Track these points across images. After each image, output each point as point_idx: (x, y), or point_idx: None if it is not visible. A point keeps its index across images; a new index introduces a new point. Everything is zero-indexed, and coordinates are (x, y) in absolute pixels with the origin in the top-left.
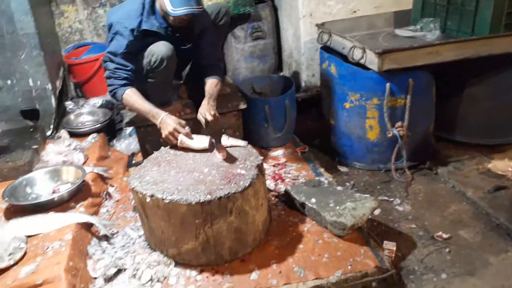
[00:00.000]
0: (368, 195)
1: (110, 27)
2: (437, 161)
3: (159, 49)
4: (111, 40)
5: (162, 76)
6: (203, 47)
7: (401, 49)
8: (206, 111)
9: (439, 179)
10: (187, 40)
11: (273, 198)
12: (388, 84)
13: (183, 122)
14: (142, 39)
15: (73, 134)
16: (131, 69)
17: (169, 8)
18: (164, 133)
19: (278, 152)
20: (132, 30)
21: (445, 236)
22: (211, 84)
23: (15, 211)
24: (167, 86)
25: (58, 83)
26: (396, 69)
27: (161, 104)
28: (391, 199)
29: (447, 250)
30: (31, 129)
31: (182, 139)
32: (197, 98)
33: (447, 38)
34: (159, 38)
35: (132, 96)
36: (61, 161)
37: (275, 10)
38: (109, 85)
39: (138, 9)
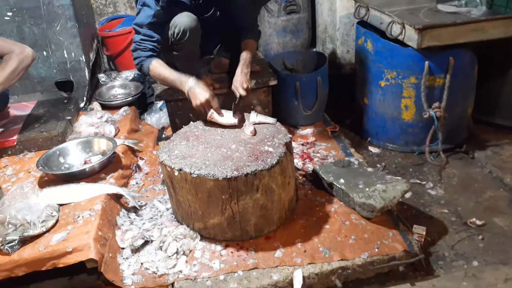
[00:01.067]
0: (399, 178)
1: (138, 1)
2: (474, 145)
3: (182, 20)
4: (138, 13)
5: (186, 48)
6: (235, 7)
7: (443, 25)
8: (239, 84)
9: (476, 163)
10: (212, 6)
11: (300, 177)
12: (427, 62)
13: (216, 85)
14: (168, 9)
15: (105, 107)
16: (157, 40)
17: None
18: (195, 102)
19: (308, 131)
20: (157, 0)
21: (478, 222)
22: (245, 46)
23: (49, 180)
24: (194, 59)
25: (92, 56)
26: (437, 46)
27: None
28: (424, 183)
29: (480, 237)
30: (65, 101)
31: (212, 113)
32: (233, 67)
33: (494, 15)
34: (184, 7)
35: (158, 67)
36: (93, 132)
37: None
38: (135, 58)
39: None
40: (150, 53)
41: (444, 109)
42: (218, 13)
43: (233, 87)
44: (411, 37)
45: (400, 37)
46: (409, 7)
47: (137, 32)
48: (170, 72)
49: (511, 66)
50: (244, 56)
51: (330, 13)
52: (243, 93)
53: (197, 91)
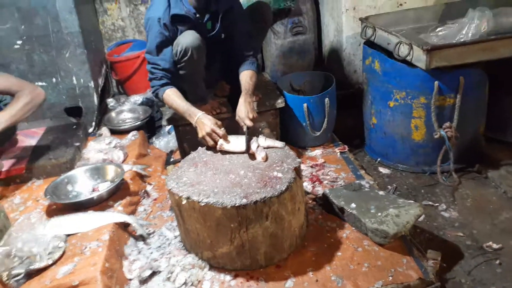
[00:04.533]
0: (412, 201)
1: (145, 26)
2: (487, 164)
3: (185, 39)
4: (147, 39)
5: (190, 67)
6: (235, 34)
7: (452, 45)
8: (244, 115)
9: (489, 183)
10: (216, 25)
11: (310, 201)
12: (436, 83)
13: (219, 122)
14: (173, 28)
15: (114, 131)
16: (163, 68)
17: None
18: (201, 133)
19: (316, 152)
20: (159, 19)
21: (495, 246)
22: (246, 76)
23: (57, 209)
24: (199, 80)
25: (100, 81)
26: (446, 66)
27: (197, 100)
28: (436, 204)
29: (497, 262)
30: (74, 126)
31: (221, 143)
32: (234, 93)
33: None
34: (189, 24)
35: (170, 96)
36: (101, 158)
37: (316, 4)
38: (152, 87)
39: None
40: (162, 81)
41: (455, 129)
42: (223, 35)
43: (237, 118)
44: (419, 57)
45: (408, 58)
46: (416, 26)
47: (148, 62)
48: (181, 102)
49: None
50: (246, 86)
51: (336, 33)
52: (249, 124)
53: (204, 121)
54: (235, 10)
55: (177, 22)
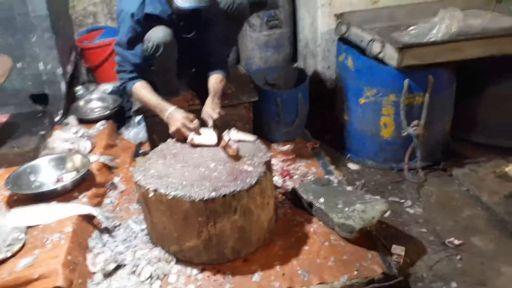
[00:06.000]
0: (378, 197)
1: (117, 17)
2: (452, 162)
3: (155, 35)
4: (118, 30)
5: (162, 63)
6: (209, 40)
7: (423, 44)
8: (211, 109)
9: (453, 181)
10: (192, 28)
11: (279, 196)
12: (406, 81)
13: (191, 115)
14: (145, 24)
15: (81, 121)
16: (133, 63)
17: None
18: (172, 129)
19: (288, 147)
20: (132, 15)
21: (457, 242)
22: (215, 80)
23: (18, 200)
24: (171, 74)
25: (69, 68)
26: (416, 65)
27: (169, 93)
28: (402, 201)
29: (458, 257)
30: (39, 114)
31: (191, 137)
32: (202, 93)
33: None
34: (162, 24)
35: (140, 90)
36: (67, 148)
37: None
38: (119, 79)
39: None
40: (131, 74)
41: (423, 127)
42: (196, 36)
43: (203, 114)
44: (391, 55)
45: (380, 56)
46: (390, 24)
47: (117, 53)
48: (151, 97)
49: (487, 85)
50: (215, 87)
51: (311, 29)
52: (215, 116)
53: (175, 116)
54: (212, 14)
55: (150, 21)
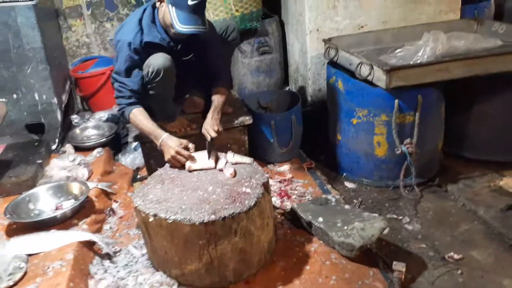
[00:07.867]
0: (377, 215)
1: (115, 47)
2: (446, 178)
3: (155, 61)
4: (116, 60)
5: (160, 88)
6: (210, 58)
7: (410, 66)
8: (210, 127)
9: (449, 196)
10: (190, 51)
11: (279, 216)
12: (396, 101)
13: (185, 141)
14: (144, 52)
15: (78, 148)
16: (131, 89)
17: (176, 23)
18: (166, 157)
19: (284, 168)
20: (129, 44)
21: (456, 257)
22: (217, 93)
23: (17, 229)
24: (168, 99)
25: (64, 97)
26: (405, 86)
27: (165, 118)
28: (400, 217)
29: (459, 272)
30: (36, 143)
31: (189, 164)
32: (207, 106)
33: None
34: (161, 50)
35: (137, 116)
36: (65, 176)
37: (281, 25)
38: (118, 105)
39: (135, 23)
40: (130, 100)
41: (415, 145)
42: (194, 58)
43: (203, 130)
44: (379, 77)
45: (369, 78)
46: (376, 47)
47: (116, 80)
48: (147, 124)
49: (475, 102)
50: (216, 102)
51: (301, 53)
52: (213, 134)
53: (168, 143)
54: (209, 37)
55: (150, 48)
